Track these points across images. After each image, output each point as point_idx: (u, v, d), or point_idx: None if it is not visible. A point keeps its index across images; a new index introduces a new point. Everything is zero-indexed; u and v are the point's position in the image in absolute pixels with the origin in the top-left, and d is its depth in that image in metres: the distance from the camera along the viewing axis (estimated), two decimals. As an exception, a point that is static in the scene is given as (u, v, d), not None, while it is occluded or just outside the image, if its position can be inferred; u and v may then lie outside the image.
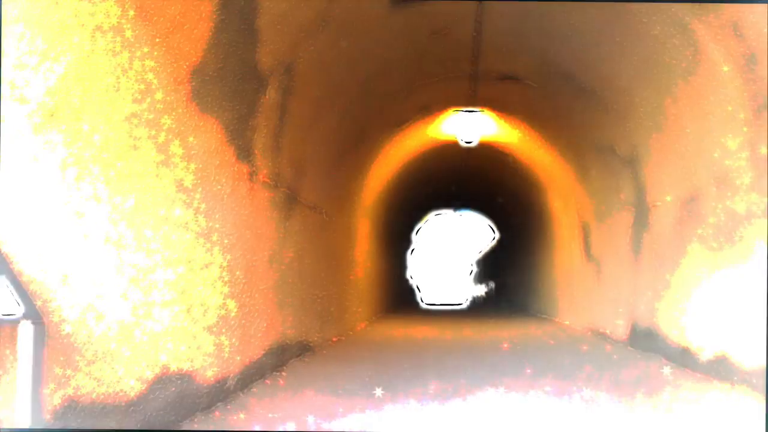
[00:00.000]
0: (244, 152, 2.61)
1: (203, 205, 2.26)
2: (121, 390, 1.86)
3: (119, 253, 1.91)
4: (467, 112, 6.05)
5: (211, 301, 2.28)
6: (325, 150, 3.74)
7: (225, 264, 2.36)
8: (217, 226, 2.33)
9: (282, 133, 3.05)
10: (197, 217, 2.23)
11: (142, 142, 2.01)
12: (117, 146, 1.91)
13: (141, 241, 2.02)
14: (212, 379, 2.29)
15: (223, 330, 2.34)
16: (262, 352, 2.60)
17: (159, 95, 2.04)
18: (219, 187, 2.35)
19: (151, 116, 2.05)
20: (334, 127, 3.87)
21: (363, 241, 7.17)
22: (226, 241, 2.35)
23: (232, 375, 2.41)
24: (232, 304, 2.40)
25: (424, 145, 7.15)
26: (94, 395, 1.76)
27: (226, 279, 2.36)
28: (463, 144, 6.45)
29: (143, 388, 1.99)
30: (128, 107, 1.94)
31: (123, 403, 1.88)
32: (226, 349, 2.35)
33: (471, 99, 5.64)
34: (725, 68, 2.78)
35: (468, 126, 6.28)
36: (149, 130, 2.04)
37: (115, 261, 1.91)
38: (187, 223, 2.16)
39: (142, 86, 1.98)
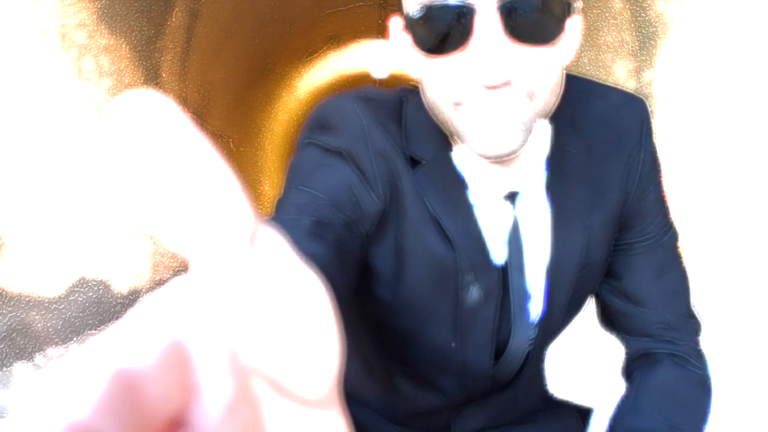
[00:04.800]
0: (152, 74, 2.61)
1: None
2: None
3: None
4: (378, 43, 6.09)
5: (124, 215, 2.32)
6: (232, 78, 3.73)
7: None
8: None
9: (188, 57, 3.04)
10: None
11: (57, 54, 2.04)
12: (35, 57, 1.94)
13: (57, 153, 2.04)
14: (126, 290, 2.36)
15: (135, 245, 2.39)
16: (171, 273, 2.66)
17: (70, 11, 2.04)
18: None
19: (64, 31, 2.06)
20: (241, 54, 3.85)
21: (273, 174, 7.18)
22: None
23: (144, 289, 2.47)
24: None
25: (334, 79, 7.17)
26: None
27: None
28: (374, 77, 6.49)
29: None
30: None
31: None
32: (139, 264, 2.40)
33: (381, 29, 5.69)
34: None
35: (379, 58, 6.32)
36: (63, 43, 2.06)
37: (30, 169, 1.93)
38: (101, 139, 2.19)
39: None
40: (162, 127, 0.17)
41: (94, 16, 2.19)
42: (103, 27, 2.23)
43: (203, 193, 0.18)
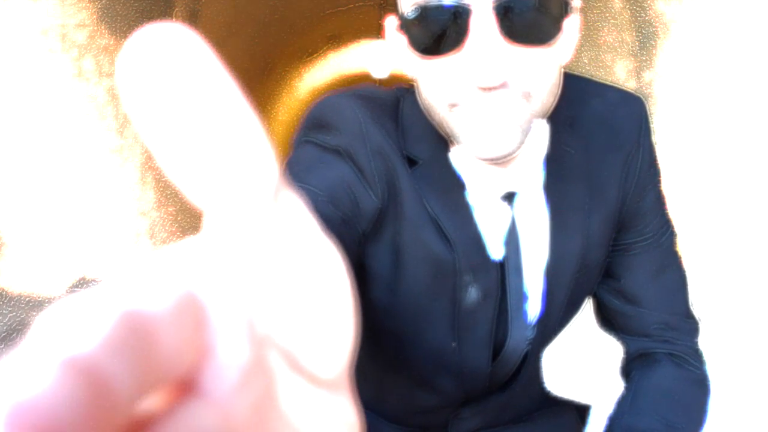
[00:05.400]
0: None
1: (115, 123, 2.28)
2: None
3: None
4: (378, 43, 6.07)
5: (124, 215, 2.32)
6: (233, 78, 3.74)
7: (137, 182, 2.40)
8: (128, 144, 2.35)
9: (189, 57, 3.05)
10: (109, 134, 2.25)
11: (57, 54, 2.05)
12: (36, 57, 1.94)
13: (57, 153, 2.04)
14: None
15: (135, 245, 2.39)
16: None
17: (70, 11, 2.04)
18: (127, 107, 2.36)
19: (64, 31, 2.07)
20: (241, 54, 3.85)
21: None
22: (137, 161, 2.38)
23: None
24: (144, 222, 2.44)
25: (334, 79, 7.16)
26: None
27: (137, 197, 2.40)
28: (374, 77, 6.46)
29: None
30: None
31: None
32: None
33: (381, 29, 5.65)
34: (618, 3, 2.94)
35: (379, 58, 6.30)
36: (63, 44, 2.06)
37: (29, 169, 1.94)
38: (100, 139, 2.19)
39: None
40: (186, 63, 0.16)
41: (94, 16, 2.19)
42: (103, 27, 2.23)
43: (228, 137, 0.16)
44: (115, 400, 0.12)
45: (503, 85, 0.66)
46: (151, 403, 0.14)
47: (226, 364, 0.16)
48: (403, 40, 0.71)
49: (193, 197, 0.17)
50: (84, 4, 2.15)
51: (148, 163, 2.44)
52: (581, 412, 1.03)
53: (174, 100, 0.16)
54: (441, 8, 0.65)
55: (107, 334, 0.13)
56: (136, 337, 0.13)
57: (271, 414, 0.17)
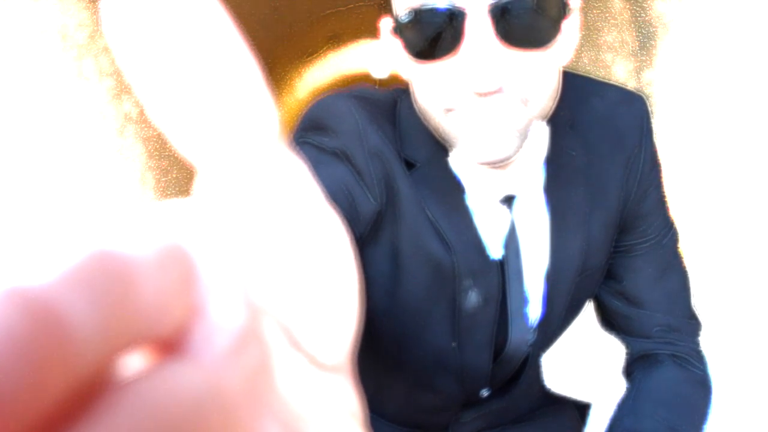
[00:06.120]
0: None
1: (115, 123, 2.28)
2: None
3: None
4: (378, 43, 6.05)
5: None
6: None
7: (138, 179, 2.39)
8: (128, 144, 2.35)
9: (189, 57, 3.05)
10: (109, 134, 2.25)
11: (57, 54, 2.05)
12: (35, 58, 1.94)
13: (57, 153, 2.04)
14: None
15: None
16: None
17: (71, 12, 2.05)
18: (129, 107, 2.36)
19: (64, 31, 2.06)
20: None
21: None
22: (137, 161, 2.38)
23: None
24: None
25: (334, 79, 7.15)
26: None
27: (137, 197, 2.40)
28: (374, 77, 6.44)
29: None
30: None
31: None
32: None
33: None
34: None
35: (379, 58, 6.29)
36: (63, 43, 2.06)
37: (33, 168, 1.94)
38: (100, 139, 2.19)
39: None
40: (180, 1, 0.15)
41: (94, 16, 2.19)
42: (103, 27, 2.23)
43: (224, 81, 0.15)
44: (77, 344, 0.11)
45: (499, 90, 0.64)
46: (135, 363, 0.13)
47: (217, 327, 0.14)
48: (397, 43, 0.70)
49: (185, 151, 0.15)
50: (84, 4, 2.15)
51: (148, 163, 2.44)
52: (581, 410, 1.02)
53: (167, 39, 0.15)
54: (435, 12, 0.63)
55: (70, 270, 0.11)
56: (108, 280, 0.12)
57: (267, 390, 0.16)
